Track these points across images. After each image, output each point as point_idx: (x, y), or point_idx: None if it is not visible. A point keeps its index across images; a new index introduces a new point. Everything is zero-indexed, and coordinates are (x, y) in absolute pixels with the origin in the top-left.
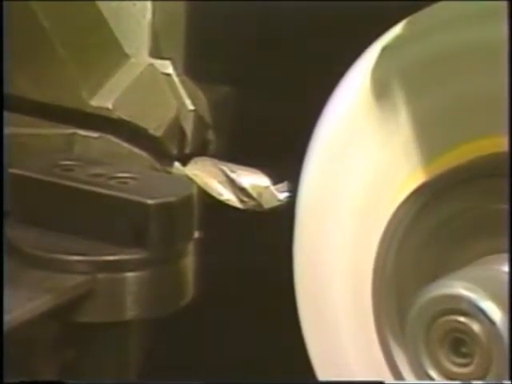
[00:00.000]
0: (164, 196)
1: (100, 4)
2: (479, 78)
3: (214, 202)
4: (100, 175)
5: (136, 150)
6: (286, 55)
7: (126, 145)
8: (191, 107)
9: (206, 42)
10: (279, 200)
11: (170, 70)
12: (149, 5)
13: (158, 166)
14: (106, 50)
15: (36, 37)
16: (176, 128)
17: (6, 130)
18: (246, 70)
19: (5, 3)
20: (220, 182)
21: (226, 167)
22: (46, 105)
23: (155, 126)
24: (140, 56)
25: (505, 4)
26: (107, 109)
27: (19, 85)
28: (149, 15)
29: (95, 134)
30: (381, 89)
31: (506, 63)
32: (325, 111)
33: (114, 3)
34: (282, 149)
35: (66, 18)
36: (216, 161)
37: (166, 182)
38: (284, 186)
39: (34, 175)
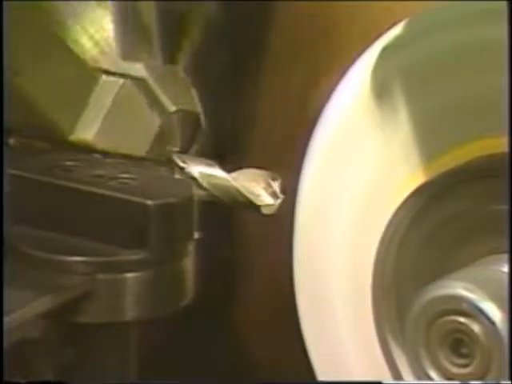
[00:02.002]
0: (164, 197)
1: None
2: (479, 79)
3: (214, 203)
4: (100, 176)
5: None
6: (285, 54)
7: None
8: (172, 108)
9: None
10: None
11: (144, 73)
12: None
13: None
14: (75, 77)
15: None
16: (162, 138)
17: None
18: (245, 67)
19: (5, 3)
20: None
21: (177, 157)
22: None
23: (139, 148)
24: (112, 61)
25: (505, 4)
26: (88, 143)
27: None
28: (118, 15)
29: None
30: (381, 89)
31: (506, 63)
32: (324, 111)
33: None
34: (282, 149)
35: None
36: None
37: (166, 182)
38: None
39: (34, 176)
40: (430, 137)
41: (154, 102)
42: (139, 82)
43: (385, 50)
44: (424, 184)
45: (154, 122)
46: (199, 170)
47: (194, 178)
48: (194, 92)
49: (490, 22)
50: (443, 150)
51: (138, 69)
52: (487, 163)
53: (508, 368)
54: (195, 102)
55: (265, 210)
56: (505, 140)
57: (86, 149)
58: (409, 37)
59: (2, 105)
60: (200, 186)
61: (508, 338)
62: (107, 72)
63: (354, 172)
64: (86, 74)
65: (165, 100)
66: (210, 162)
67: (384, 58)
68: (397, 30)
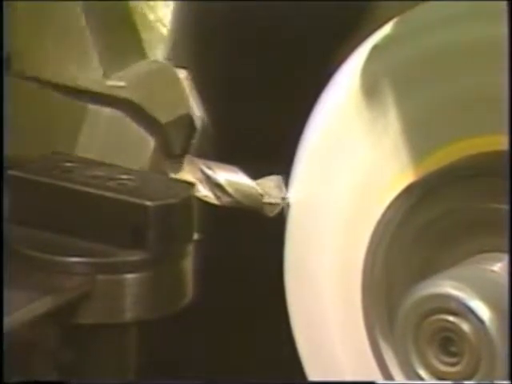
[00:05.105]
0: (163, 198)
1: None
2: (468, 78)
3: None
4: (99, 177)
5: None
6: (279, 55)
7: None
8: (164, 120)
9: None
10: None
11: (129, 92)
12: (167, 12)
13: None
14: (129, 47)
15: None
16: (159, 152)
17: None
18: (241, 71)
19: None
20: (197, 179)
21: (203, 164)
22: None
23: (165, 116)
24: (95, 81)
25: (502, 4)
26: (121, 87)
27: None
28: (167, 22)
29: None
30: (370, 89)
31: (506, 63)
32: (314, 111)
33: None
34: (273, 149)
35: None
36: (193, 158)
37: (165, 183)
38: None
39: (33, 177)
40: (419, 136)
41: (145, 119)
42: (126, 103)
43: (374, 49)
44: (413, 183)
45: (185, 106)
46: (225, 176)
47: (219, 185)
48: (190, 91)
49: (480, 21)
50: (433, 148)
51: (123, 88)
52: (477, 162)
53: (496, 367)
54: (189, 103)
55: (269, 212)
56: (495, 138)
57: None
58: (398, 36)
59: (2, 106)
60: (226, 192)
61: (497, 337)
62: (92, 93)
63: (343, 171)
64: (138, 50)
65: (156, 113)
66: (234, 168)
67: (373, 58)
68: (386, 29)
